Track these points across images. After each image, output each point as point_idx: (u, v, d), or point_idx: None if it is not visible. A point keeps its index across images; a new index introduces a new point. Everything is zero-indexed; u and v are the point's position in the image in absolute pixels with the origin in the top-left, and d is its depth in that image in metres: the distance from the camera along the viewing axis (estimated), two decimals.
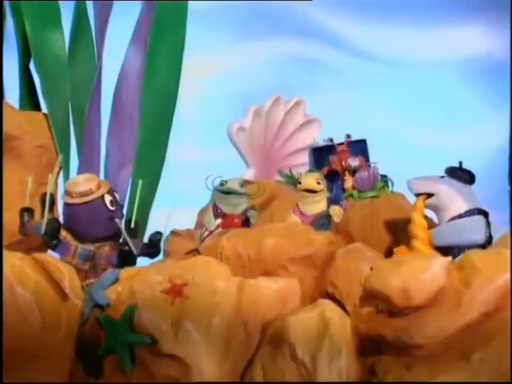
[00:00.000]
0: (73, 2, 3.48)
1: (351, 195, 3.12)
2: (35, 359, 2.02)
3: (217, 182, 2.84)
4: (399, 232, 2.77)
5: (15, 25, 3.46)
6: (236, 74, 4.42)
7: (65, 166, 3.29)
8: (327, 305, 2.16)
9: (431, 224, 2.57)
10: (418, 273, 1.96)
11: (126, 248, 2.36)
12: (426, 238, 2.48)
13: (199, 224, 3.15)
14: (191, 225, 3.29)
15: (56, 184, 2.82)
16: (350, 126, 3.64)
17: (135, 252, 2.37)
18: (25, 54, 3.46)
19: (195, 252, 2.64)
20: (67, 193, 2.40)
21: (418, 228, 2.50)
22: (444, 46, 4.47)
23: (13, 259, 2.04)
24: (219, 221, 2.84)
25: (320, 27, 4.56)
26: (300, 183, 2.91)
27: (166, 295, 2.12)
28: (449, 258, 2.06)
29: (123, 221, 2.45)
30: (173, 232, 3.20)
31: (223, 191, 2.82)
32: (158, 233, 2.44)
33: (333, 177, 3.27)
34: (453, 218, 2.46)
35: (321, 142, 3.61)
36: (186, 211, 3.21)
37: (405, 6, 4.51)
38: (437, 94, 4.44)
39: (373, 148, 3.49)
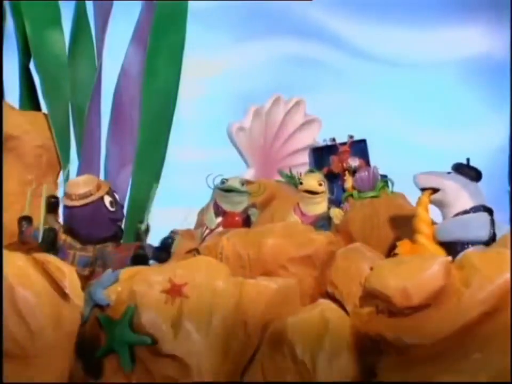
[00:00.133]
0: (73, 2, 3.48)
1: (351, 195, 3.13)
2: (35, 359, 2.02)
3: (218, 180, 2.85)
4: (399, 232, 2.77)
5: (15, 25, 3.46)
6: (235, 74, 4.42)
7: (66, 167, 3.29)
8: (327, 305, 2.16)
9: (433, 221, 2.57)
10: (418, 273, 1.96)
11: (141, 252, 2.36)
12: (430, 233, 2.48)
13: (199, 224, 3.15)
14: (191, 225, 3.28)
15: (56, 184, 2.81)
16: (350, 126, 3.64)
17: (150, 256, 2.37)
18: (25, 54, 3.46)
19: (195, 251, 2.64)
20: (67, 195, 2.40)
21: (422, 222, 2.50)
22: (444, 46, 4.47)
23: (13, 259, 2.04)
24: (220, 219, 2.85)
25: (320, 27, 4.56)
26: (301, 183, 2.91)
27: (166, 295, 2.12)
28: (449, 258, 2.05)
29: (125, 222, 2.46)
30: (173, 232, 3.20)
31: (224, 189, 2.83)
32: (170, 238, 2.44)
33: (333, 178, 3.27)
34: (458, 214, 2.46)
35: (321, 142, 3.61)
36: (186, 211, 3.21)
37: (405, 6, 4.51)
38: (437, 94, 4.43)
39: (373, 148, 3.49)
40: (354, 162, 3.25)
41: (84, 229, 2.39)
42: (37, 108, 3.50)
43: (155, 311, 2.10)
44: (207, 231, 2.86)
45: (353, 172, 3.19)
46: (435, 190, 2.50)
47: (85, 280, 2.35)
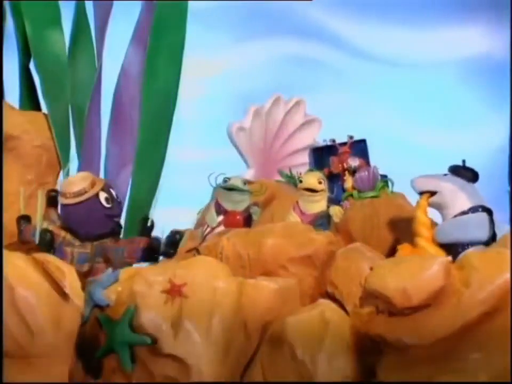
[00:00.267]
0: (73, 2, 3.48)
1: (351, 195, 3.13)
2: (35, 359, 2.02)
3: (219, 179, 2.85)
4: (399, 232, 2.77)
5: (15, 25, 3.46)
6: (235, 74, 4.41)
7: (66, 167, 3.29)
8: (327, 305, 2.16)
9: (434, 224, 2.57)
10: (418, 274, 1.96)
11: (156, 242, 2.35)
12: (430, 235, 2.48)
13: (200, 224, 3.15)
14: (191, 225, 3.28)
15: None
16: (350, 126, 3.64)
17: (162, 248, 2.36)
18: (25, 54, 3.46)
19: (195, 251, 2.64)
20: (61, 194, 2.41)
21: (421, 226, 2.50)
22: (444, 46, 4.47)
23: (13, 259, 2.04)
24: (221, 217, 2.85)
25: (320, 27, 4.56)
26: (301, 181, 2.91)
27: (166, 295, 2.12)
28: (449, 258, 2.05)
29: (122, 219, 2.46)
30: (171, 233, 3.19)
31: (226, 187, 2.84)
32: (178, 233, 2.43)
33: (333, 178, 3.27)
34: (456, 216, 2.46)
35: (321, 142, 3.61)
36: (186, 211, 3.21)
37: (405, 6, 4.51)
38: (437, 94, 4.43)
39: (373, 148, 3.49)
40: (354, 162, 3.25)
41: (80, 226, 2.40)
42: (37, 108, 3.50)
43: (155, 311, 2.10)
44: (208, 229, 2.86)
45: (353, 172, 3.19)
46: (433, 193, 2.50)
47: (84, 276, 2.34)
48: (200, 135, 4.23)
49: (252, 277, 2.26)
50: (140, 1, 3.47)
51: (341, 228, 2.89)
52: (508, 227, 2.48)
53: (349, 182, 3.20)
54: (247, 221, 2.85)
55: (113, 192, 2.45)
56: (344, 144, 3.42)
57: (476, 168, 2.56)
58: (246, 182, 2.91)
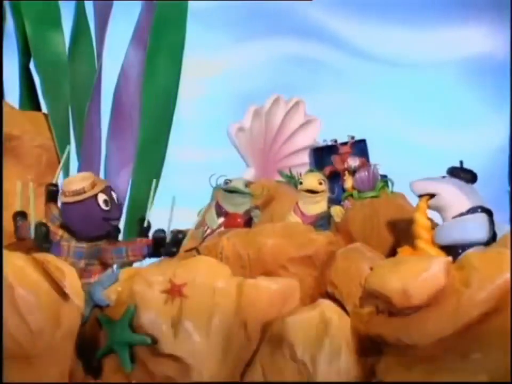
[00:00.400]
0: (73, 2, 3.48)
1: (351, 195, 3.13)
2: (35, 359, 2.02)
3: (220, 180, 2.85)
4: (399, 232, 2.77)
5: (15, 25, 3.46)
6: (236, 74, 4.41)
7: (66, 166, 3.29)
8: (327, 305, 2.16)
9: (434, 225, 2.57)
10: (418, 274, 1.96)
11: (161, 234, 2.34)
12: (430, 238, 2.48)
13: (200, 224, 3.15)
14: (191, 225, 3.28)
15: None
16: (350, 126, 3.64)
17: (168, 240, 2.35)
18: (25, 54, 3.46)
19: (195, 251, 2.64)
20: (62, 192, 2.41)
21: (421, 228, 2.50)
22: (444, 46, 4.47)
23: (13, 259, 2.04)
24: (221, 219, 2.85)
25: (320, 27, 4.56)
26: (301, 183, 2.90)
27: (166, 295, 2.12)
28: (449, 258, 2.05)
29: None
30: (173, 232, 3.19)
31: (228, 189, 2.83)
32: (180, 232, 2.42)
33: (334, 177, 3.27)
34: (455, 217, 2.46)
35: (321, 142, 3.61)
36: (186, 211, 3.21)
37: (405, 6, 4.51)
38: (437, 94, 4.43)
39: (373, 148, 3.49)
40: (354, 162, 3.24)
41: (76, 226, 2.39)
42: (37, 108, 3.50)
43: (155, 311, 2.10)
44: (208, 231, 2.86)
45: (353, 171, 3.19)
46: (432, 196, 2.50)
47: (79, 272, 2.33)
48: (200, 135, 4.23)
49: (252, 277, 2.26)
50: (140, 1, 3.48)
51: (341, 228, 2.89)
52: (508, 227, 2.48)
53: (349, 182, 3.20)
54: (248, 223, 2.85)
55: (115, 196, 2.44)
56: (345, 144, 3.42)
57: (476, 168, 2.56)
58: (248, 184, 2.90)
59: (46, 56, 3.41)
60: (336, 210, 2.91)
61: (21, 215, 2.50)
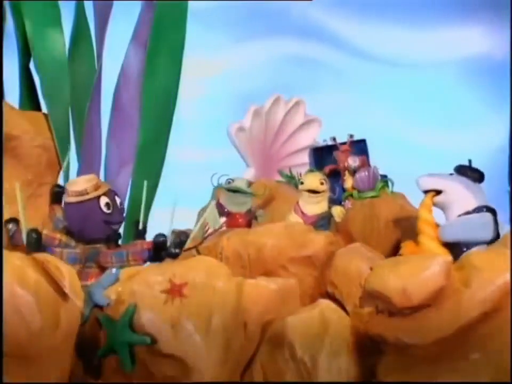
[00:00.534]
0: (73, 2, 3.48)
1: (351, 195, 3.13)
2: (35, 359, 2.02)
3: (222, 180, 2.85)
4: (399, 232, 2.77)
5: (15, 25, 3.46)
6: (236, 74, 4.41)
7: (66, 167, 3.29)
8: (327, 305, 2.16)
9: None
10: (418, 273, 1.96)
11: (162, 238, 2.33)
12: (434, 234, 2.48)
13: (200, 224, 3.14)
14: (191, 225, 3.28)
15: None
16: (350, 126, 3.64)
17: (168, 245, 2.34)
18: (25, 54, 3.46)
19: (195, 251, 2.63)
20: (65, 192, 2.42)
21: (425, 224, 2.50)
22: (444, 46, 4.47)
23: (13, 259, 2.04)
24: (223, 219, 2.85)
25: (320, 27, 4.56)
26: (302, 183, 2.90)
27: (166, 295, 2.12)
28: (450, 258, 2.05)
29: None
30: (175, 233, 3.19)
31: (230, 189, 2.83)
32: (183, 233, 2.42)
33: (334, 177, 3.27)
34: (461, 215, 2.46)
35: (321, 142, 3.61)
36: (186, 211, 3.21)
37: (405, 6, 4.51)
38: (437, 94, 4.43)
39: (373, 148, 3.49)
40: (354, 162, 3.24)
41: (76, 226, 2.40)
42: (37, 108, 3.50)
43: (155, 311, 2.10)
44: (210, 230, 2.85)
45: (353, 171, 3.19)
46: (438, 192, 2.50)
47: (77, 274, 2.32)
48: (200, 135, 4.23)
49: (252, 277, 2.26)
50: (140, 1, 3.48)
51: (341, 228, 2.89)
52: (508, 227, 2.48)
53: (349, 182, 3.21)
54: (250, 223, 2.85)
55: (118, 200, 2.44)
56: (344, 143, 3.43)
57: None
58: (250, 184, 2.91)
59: (46, 56, 3.40)
60: (337, 211, 2.91)
61: (13, 221, 2.49)
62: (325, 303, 2.18)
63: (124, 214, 2.51)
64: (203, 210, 3.19)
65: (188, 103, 3.75)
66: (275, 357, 2.09)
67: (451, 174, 2.54)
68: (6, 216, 2.52)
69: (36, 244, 2.32)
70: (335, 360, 2.04)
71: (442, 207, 2.51)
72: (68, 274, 2.09)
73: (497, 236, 2.44)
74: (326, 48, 4.57)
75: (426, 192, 2.52)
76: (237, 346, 2.11)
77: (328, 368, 2.03)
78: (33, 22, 3.37)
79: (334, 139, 3.47)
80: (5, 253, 2.07)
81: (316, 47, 4.56)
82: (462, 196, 2.47)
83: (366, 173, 3.10)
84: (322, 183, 2.87)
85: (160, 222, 2.56)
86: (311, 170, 3.27)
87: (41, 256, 2.12)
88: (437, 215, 2.56)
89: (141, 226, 2.59)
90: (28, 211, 2.57)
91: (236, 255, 2.48)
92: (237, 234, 2.56)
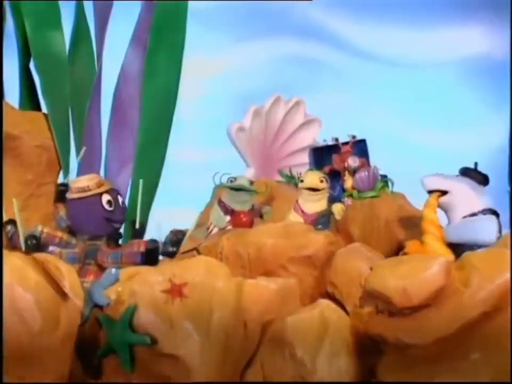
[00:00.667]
0: (73, 2, 3.48)
1: (351, 195, 3.12)
2: (35, 359, 2.02)
3: (224, 178, 2.85)
4: (399, 232, 2.77)
5: (15, 25, 3.46)
6: (236, 74, 4.41)
7: (66, 167, 3.29)
8: (327, 305, 2.16)
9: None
10: (418, 273, 1.96)
11: (154, 245, 2.34)
12: (439, 234, 2.47)
13: (200, 224, 3.14)
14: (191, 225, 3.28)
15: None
16: (350, 126, 3.64)
17: (160, 250, 2.36)
18: (25, 54, 3.46)
19: (195, 250, 2.64)
20: (69, 189, 2.44)
21: (430, 223, 2.49)
22: (444, 46, 4.47)
23: (13, 259, 2.04)
24: (228, 218, 2.85)
25: (320, 27, 4.56)
26: (302, 181, 2.90)
27: (166, 295, 2.12)
28: (450, 258, 2.06)
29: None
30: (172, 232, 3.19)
31: (233, 187, 2.83)
32: (180, 232, 2.42)
33: (334, 176, 3.27)
34: (466, 217, 2.46)
35: (321, 142, 3.61)
36: (186, 211, 3.21)
37: (405, 6, 4.51)
38: (437, 94, 4.43)
39: (373, 148, 3.49)
40: (354, 162, 3.24)
41: (77, 222, 2.41)
42: (37, 108, 3.50)
43: (155, 311, 2.10)
44: (215, 229, 2.85)
45: (353, 171, 3.19)
46: (443, 193, 2.49)
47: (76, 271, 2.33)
48: (200, 135, 4.23)
49: (252, 277, 2.26)
50: (140, 1, 3.48)
51: (341, 227, 2.89)
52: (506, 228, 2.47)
53: (349, 182, 3.20)
54: (253, 221, 2.85)
55: (120, 199, 2.46)
56: (346, 143, 3.42)
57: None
58: (251, 183, 2.91)
59: (46, 56, 3.40)
60: (338, 208, 2.91)
61: (11, 223, 2.49)
62: (325, 303, 2.18)
63: (125, 214, 2.52)
64: (206, 209, 3.18)
65: (188, 103, 3.75)
66: (275, 357, 2.09)
67: (456, 175, 2.53)
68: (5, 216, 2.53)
69: (35, 248, 2.34)
70: (335, 360, 2.04)
71: (446, 208, 2.50)
72: (67, 274, 2.09)
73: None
74: (326, 48, 4.57)
75: (430, 192, 2.52)
76: (237, 346, 2.11)
77: (328, 368, 2.03)
78: (33, 22, 3.37)
79: (337, 139, 3.46)
80: (5, 252, 2.07)
81: (316, 47, 4.56)
82: (468, 197, 2.46)
83: (366, 173, 3.10)
84: (322, 181, 2.87)
85: (160, 222, 2.57)
86: (311, 170, 3.27)
87: (41, 256, 2.12)
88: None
89: (137, 226, 2.59)
90: (28, 211, 2.57)
91: (235, 255, 2.47)
92: (236, 234, 2.56)
